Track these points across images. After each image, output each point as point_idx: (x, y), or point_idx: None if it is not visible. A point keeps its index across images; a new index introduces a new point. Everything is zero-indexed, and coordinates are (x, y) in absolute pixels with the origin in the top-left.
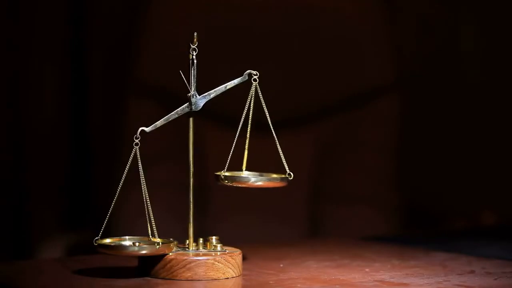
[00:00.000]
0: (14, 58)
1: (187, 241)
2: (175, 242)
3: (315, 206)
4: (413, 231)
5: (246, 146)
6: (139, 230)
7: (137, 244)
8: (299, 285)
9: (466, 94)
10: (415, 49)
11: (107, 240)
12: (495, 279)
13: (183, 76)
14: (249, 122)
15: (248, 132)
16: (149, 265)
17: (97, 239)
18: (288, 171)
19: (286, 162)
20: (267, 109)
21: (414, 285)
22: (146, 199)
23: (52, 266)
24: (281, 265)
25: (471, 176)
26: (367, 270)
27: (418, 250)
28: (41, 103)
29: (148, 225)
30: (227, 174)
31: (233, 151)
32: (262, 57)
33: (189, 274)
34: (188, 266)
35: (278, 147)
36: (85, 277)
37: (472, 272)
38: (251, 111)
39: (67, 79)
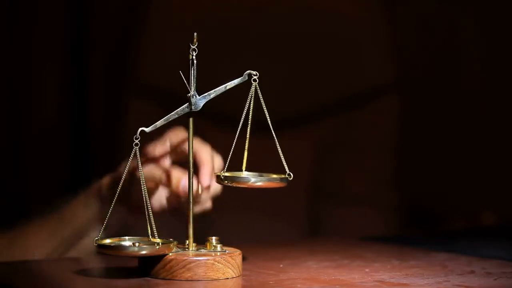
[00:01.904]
0: (14, 58)
1: (187, 241)
2: (175, 243)
3: (315, 206)
4: (413, 231)
5: (246, 147)
6: (139, 230)
7: (137, 244)
8: (299, 285)
9: (466, 94)
10: (415, 49)
11: (107, 240)
12: (495, 279)
13: (183, 76)
14: (249, 122)
15: (248, 133)
16: (149, 265)
17: (97, 239)
18: (287, 171)
19: (286, 162)
20: (267, 109)
21: (414, 285)
22: (146, 199)
23: (52, 266)
24: (281, 265)
25: (471, 176)
26: (367, 270)
27: (418, 250)
28: (41, 103)
29: (148, 225)
30: (227, 174)
31: (233, 152)
32: (262, 57)
33: (189, 275)
34: (188, 266)
35: (278, 147)
36: (85, 277)
37: (472, 272)
38: (250, 111)
39: (67, 79)
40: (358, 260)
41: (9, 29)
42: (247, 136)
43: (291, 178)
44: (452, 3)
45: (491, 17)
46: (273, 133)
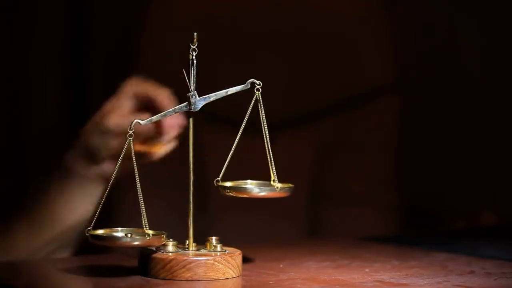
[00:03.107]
0: (14, 58)
1: (187, 241)
2: (166, 234)
3: (315, 206)
4: (413, 231)
5: (270, 158)
6: (136, 224)
7: (129, 235)
8: (299, 286)
9: (466, 94)
10: (415, 49)
11: (100, 231)
12: (495, 279)
13: (185, 75)
14: (265, 131)
15: (268, 142)
16: (149, 265)
17: (89, 230)
18: (274, 178)
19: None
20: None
21: (414, 285)
22: (139, 191)
23: (52, 266)
24: (281, 265)
25: (471, 176)
26: (367, 270)
27: (418, 250)
28: (41, 103)
29: (142, 217)
30: (229, 184)
31: (230, 158)
32: (262, 58)
33: (189, 275)
34: (188, 266)
35: (270, 157)
36: (85, 277)
37: (472, 272)
38: (263, 118)
39: (67, 79)
40: (358, 260)
41: (9, 29)
42: (268, 146)
43: (278, 189)
44: (452, 3)
45: (491, 17)
46: (268, 145)
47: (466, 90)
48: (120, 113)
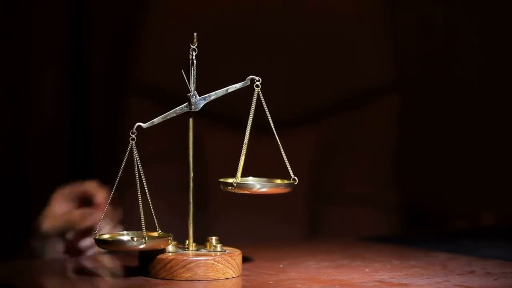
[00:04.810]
0: (14, 58)
1: (187, 241)
2: (172, 236)
3: (315, 206)
4: (413, 231)
5: (244, 152)
6: (136, 225)
7: (135, 239)
8: (298, 285)
9: (466, 94)
10: (415, 49)
11: (105, 236)
12: (495, 279)
13: (184, 75)
14: (249, 128)
15: (247, 138)
16: (149, 265)
17: (95, 233)
18: (292, 176)
19: (284, 164)
20: (267, 108)
21: (414, 285)
22: (146, 193)
23: (52, 266)
24: (281, 265)
25: (471, 176)
26: (367, 270)
27: (418, 250)
28: (41, 103)
29: (142, 219)
30: (230, 180)
31: (233, 156)
32: (262, 58)
33: (188, 275)
34: (187, 266)
35: (283, 152)
36: (85, 277)
37: (472, 272)
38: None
39: (67, 80)
40: (358, 260)
41: (9, 29)
42: (246, 141)
43: (296, 183)
44: (452, 3)
45: (491, 17)
46: (278, 140)
47: (465, 90)
48: (54, 218)
